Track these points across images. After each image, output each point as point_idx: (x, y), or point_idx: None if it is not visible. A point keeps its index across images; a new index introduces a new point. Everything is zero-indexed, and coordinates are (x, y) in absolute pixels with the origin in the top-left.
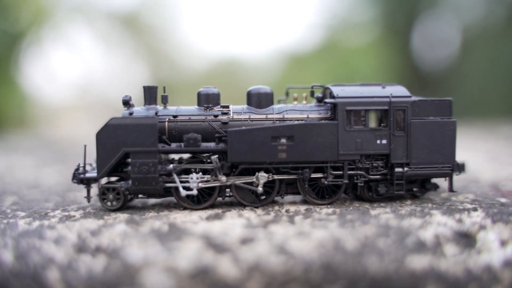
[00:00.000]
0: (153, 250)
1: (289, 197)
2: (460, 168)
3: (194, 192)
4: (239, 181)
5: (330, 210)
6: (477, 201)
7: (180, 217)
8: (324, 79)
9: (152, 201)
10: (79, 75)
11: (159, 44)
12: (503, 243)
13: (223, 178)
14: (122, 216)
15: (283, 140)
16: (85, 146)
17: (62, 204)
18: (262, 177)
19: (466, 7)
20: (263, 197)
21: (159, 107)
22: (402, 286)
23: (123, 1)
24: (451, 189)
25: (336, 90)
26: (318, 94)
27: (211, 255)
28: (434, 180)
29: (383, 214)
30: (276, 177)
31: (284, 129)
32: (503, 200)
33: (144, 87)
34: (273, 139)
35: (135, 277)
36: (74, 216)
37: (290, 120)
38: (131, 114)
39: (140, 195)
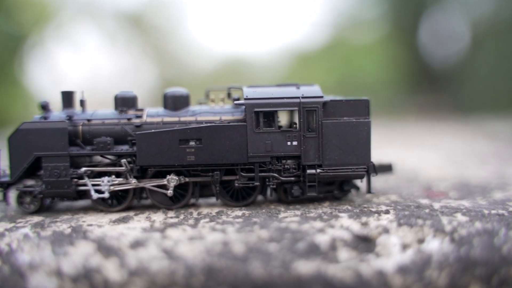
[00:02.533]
0: (41, 254)
1: (212, 199)
2: (381, 169)
3: (106, 195)
4: (150, 184)
5: (241, 212)
6: (395, 203)
7: (90, 220)
8: (331, 77)
9: (78, 203)
10: (85, 76)
11: (165, 44)
12: (404, 247)
13: (133, 181)
14: (36, 219)
15: (192, 143)
16: (0, 150)
17: None
18: (173, 180)
19: (475, 1)
20: (178, 199)
21: (77, 111)
22: None
23: (130, 1)
24: (369, 191)
25: (247, 92)
26: (236, 95)
27: (97, 259)
28: (357, 182)
29: (290, 217)
30: (187, 179)
31: (192, 132)
32: (424, 201)
33: (62, 92)
34: (181, 141)
35: (19, 281)
36: None
37: (202, 122)
38: (45, 118)
39: (56, 198)
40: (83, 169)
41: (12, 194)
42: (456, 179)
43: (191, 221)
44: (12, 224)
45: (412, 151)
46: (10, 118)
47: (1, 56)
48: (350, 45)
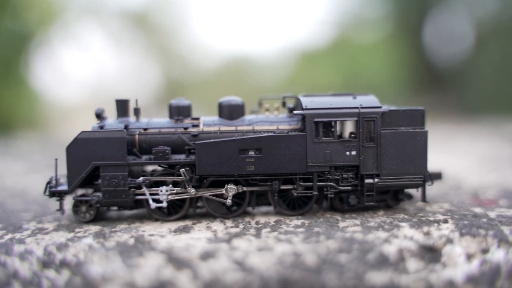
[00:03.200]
0: (113, 266)
1: (263, 208)
2: (433, 177)
3: (164, 204)
4: (209, 193)
5: (300, 222)
6: (451, 212)
7: (150, 229)
8: (335, 76)
9: (128, 212)
10: (90, 75)
11: (170, 43)
12: (469, 257)
13: (192, 191)
14: (93, 228)
15: (251, 152)
16: (56, 159)
17: (39, 214)
18: (231, 189)
19: (479, 1)
20: (234, 208)
21: (131, 119)
22: None
23: (134, 0)
24: (424, 199)
25: (305, 101)
26: (290, 104)
27: (170, 271)
28: (410, 191)
29: (351, 226)
30: (245, 189)
31: (252, 141)
32: (477, 210)
33: (116, 101)
34: (240, 151)
35: None
36: (47, 229)
37: (260, 132)
38: (101, 127)
39: (112, 207)
40: (141, 178)
41: (68, 203)
42: (499, 186)
43: (252, 231)
44: (72, 234)
45: (437, 155)
46: (16, 117)
47: (7, 55)
48: (355, 44)
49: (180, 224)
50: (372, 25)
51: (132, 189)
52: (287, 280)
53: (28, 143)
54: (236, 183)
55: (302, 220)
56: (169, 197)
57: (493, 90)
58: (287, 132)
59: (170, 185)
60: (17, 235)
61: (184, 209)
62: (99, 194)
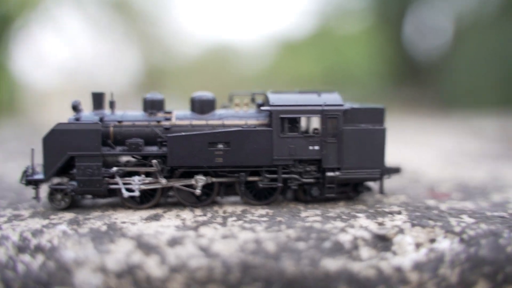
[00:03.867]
0: (85, 251)
1: (232, 198)
2: (391, 171)
3: (136, 193)
4: (179, 183)
5: (264, 211)
6: (405, 204)
7: (122, 217)
8: (317, 66)
9: (102, 200)
10: (68, 60)
11: (150, 29)
12: (418, 246)
13: (163, 181)
14: (68, 215)
15: (220, 146)
16: (32, 149)
17: (15, 201)
18: (201, 180)
19: None
20: (203, 197)
21: (107, 112)
22: (316, 287)
23: None
24: (381, 191)
25: (273, 98)
26: (259, 100)
27: (139, 256)
28: (369, 183)
29: (312, 216)
30: (214, 180)
31: (221, 135)
32: (431, 202)
33: (92, 93)
34: (210, 144)
35: (66, 277)
36: (22, 215)
37: (229, 126)
38: (77, 119)
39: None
40: (115, 168)
41: (43, 191)
42: (455, 180)
43: (219, 219)
44: (47, 221)
45: (405, 149)
46: None
47: None
48: (336, 35)
49: (152, 212)
50: (354, 17)
51: (106, 179)
52: (248, 266)
53: (4, 130)
54: (205, 174)
55: (267, 210)
56: (142, 186)
57: (468, 85)
58: (255, 127)
59: (143, 175)
60: None
61: (155, 198)
62: (74, 183)
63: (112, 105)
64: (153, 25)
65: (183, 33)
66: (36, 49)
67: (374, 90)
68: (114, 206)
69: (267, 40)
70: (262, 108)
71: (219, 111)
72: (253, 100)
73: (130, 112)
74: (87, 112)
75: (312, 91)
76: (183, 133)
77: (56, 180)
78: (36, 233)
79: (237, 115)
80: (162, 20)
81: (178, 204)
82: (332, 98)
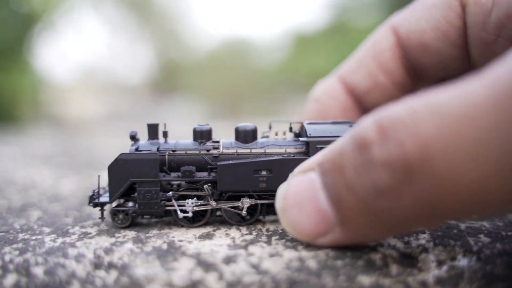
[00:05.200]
0: (154, 268)
1: (272, 216)
2: None
3: (190, 214)
4: (227, 205)
5: None
6: None
7: (178, 235)
8: (332, 59)
9: (155, 219)
10: (87, 57)
11: (165, 25)
12: (440, 263)
13: (213, 203)
14: (130, 234)
15: (263, 172)
16: (99, 176)
17: (79, 219)
18: (246, 202)
19: None
20: (247, 217)
21: (161, 141)
22: None
23: None
24: None
25: (309, 129)
26: (295, 130)
27: (200, 273)
28: None
29: None
30: (258, 201)
31: (264, 164)
32: (451, 221)
33: (148, 125)
34: (255, 171)
35: None
36: (90, 233)
37: (271, 155)
38: (137, 149)
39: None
40: (171, 192)
41: (107, 212)
42: None
43: (264, 238)
44: (113, 239)
45: None
46: (20, 98)
47: (12, 38)
48: (352, 29)
49: (203, 231)
50: (370, 9)
51: (163, 202)
52: (294, 281)
53: (36, 133)
54: (250, 197)
55: None
56: (194, 208)
57: None
58: (294, 156)
59: (195, 198)
60: (67, 239)
61: (206, 217)
62: (132, 203)
63: (165, 135)
64: (168, 20)
65: (198, 28)
66: (58, 47)
67: None
68: (168, 224)
69: (282, 34)
70: (301, 139)
71: (261, 140)
72: (290, 129)
73: (182, 141)
74: (144, 142)
75: (345, 121)
76: (231, 161)
77: (118, 202)
78: (107, 251)
79: (277, 144)
80: (178, 16)
81: (225, 223)
82: None
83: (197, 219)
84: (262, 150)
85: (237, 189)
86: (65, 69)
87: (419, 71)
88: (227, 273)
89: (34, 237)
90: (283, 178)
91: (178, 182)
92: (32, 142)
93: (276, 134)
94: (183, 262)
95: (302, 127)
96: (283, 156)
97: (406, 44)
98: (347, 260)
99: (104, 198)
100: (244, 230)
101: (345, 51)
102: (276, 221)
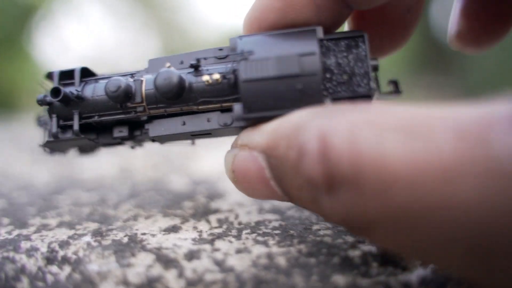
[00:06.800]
0: (108, 264)
1: (249, 207)
2: None
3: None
4: None
5: (278, 223)
6: None
7: (142, 227)
8: None
9: (124, 208)
10: (89, 48)
11: (170, 16)
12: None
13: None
14: (92, 225)
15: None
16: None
17: (44, 208)
18: None
19: None
20: None
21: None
22: None
23: None
24: None
25: (246, 101)
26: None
27: (158, 269)
28: None
29: (323, 230)
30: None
31: (200, 134)
32: None
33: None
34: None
35: None
36: (50, 225)
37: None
38: None
39: None
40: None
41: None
42: None
43: (234, 232)
44: (73, 231)
45: None
46: (19, 88)
47: (10, 27)
48: None
49: (170, 223)
50: None
51: None
52: (260, 281)
53: (30, 125)
54: None
55: (281, 222)
56: None
57: (497, 71)
58: (230, 124)
59: None
60: (24, 231)
61: None
62: None
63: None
64: (173, 12)
65: (202, 19)
66: (59, 37)
67: (395, 76)
68: (135, 217)
69: None
70: (236, 112)
71: (190, 87)
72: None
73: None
74: None
75: (292, 74)
76: (163, 131)
77: None
78: (63, 244)
79: (210, 94)
80: (182, 7)
81: (196, 217)
82: (313, 94)
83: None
84: (194, 107)
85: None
86: (68, 60)
87: None
88: (187, 270)
89: None
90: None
91: None
92: (25, 132)
93: (208, 82)
94: (141, 257)
95: (235, 45)
96: (219, 125)
97: None
98: (322, 258)
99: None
100: (214, 223)
101: None
102: (250, 212)
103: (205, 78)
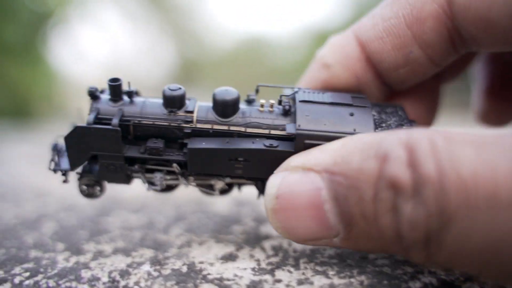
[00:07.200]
0: None
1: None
2: None
3: (158, 188)
4: (198, 182)
5: (333, 251)
6: None
7: (198, 255)
8: None
9: (175, 233)
10: (106, 54)
11: (185, 22)
12: None
13: (184, 181)
14: (148, 252)
15: (240, 159)
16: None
17: (95, 232)
18: (219, 183)
19: None
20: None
21: (126, 100)
22: None
23: None
24: None
25: (300, 115)
26: (286, 102)
27: None
28: None
29: (380, 259)
30: (232, 181)
31: (241, 153)
32: None
33: (109, 85)
34: (230, 159)
35: None
36: (105, 251)
37: (251, 136)
38: (96, 116)
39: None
40: (137, 166)
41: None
42: None
43: (291, 260)
44: (130, 259)
45: None
46: (34, 95)
47: (26, 33)
48: None
49: (226, 250)
50: None
51: (130, 172)
52: None
53: (52, 129)
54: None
55: (336, 250)
56: (163, 183)
57: None
58: (277, 146)
59: (165, 172)
60: (81, 258)
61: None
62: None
63: (130, 95)
64: (188, 18)
65: (217, 26)
66: (75, 43)
67: None
68: (188, 242)
69: (300, 32)
70: (287, 131)
71: (242, 110)
72: (280, 102)
73: (150, 103)
74: (105, 103)
75: (346, 104)
76: (203, 145)
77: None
78: (123, 273)
79: (261, 120)
80: (197, 13)
81: (249, 243)
82: (363, 123)
83: (166, 189)
84: (242, 129)
85: (210, 172)
86: (84, 66)
87: (469, 47)
88: None
89: (47, 255)
90: (263, 167)
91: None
92: (48, 141)
93: (262, 106)
94: None
95: (294, 102)
96: (264, 146)
97: (462, 15)
98: None
99: (64, 164)
100: (269, 250)
101: None
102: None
103: (261, 101)
